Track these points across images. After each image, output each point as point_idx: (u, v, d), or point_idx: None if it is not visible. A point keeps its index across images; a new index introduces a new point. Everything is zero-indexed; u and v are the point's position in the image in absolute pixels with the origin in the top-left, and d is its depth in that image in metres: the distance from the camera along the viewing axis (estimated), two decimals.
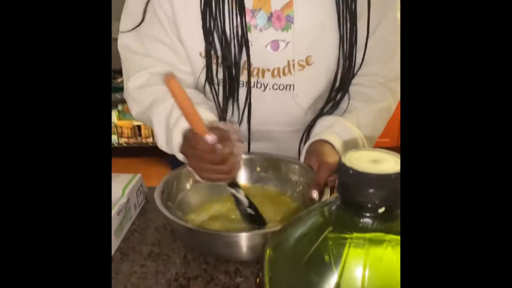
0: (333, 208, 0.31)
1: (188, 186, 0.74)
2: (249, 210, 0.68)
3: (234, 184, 0.69)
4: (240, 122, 0.75)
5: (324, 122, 0.76)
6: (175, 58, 0.73)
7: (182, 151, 0.65)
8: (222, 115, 0.74)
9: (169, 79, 0.54)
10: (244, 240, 0.57)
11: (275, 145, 0.82)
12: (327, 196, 0.64)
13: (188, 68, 0.74)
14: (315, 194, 0.64)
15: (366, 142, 0.76)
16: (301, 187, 0.74)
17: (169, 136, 0.68)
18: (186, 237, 0.64)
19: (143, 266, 0.64)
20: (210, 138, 0.59)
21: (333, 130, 0.73)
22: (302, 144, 0.80)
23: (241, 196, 0.68)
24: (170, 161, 0.95)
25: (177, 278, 0.61)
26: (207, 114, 0.66)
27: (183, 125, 0.65)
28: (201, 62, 0.71)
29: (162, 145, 0.72)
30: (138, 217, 0.76)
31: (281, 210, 0.71)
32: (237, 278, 0.61)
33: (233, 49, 0.67)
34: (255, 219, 0.68)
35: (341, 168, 0.29)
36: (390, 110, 0.81)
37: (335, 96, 0.77)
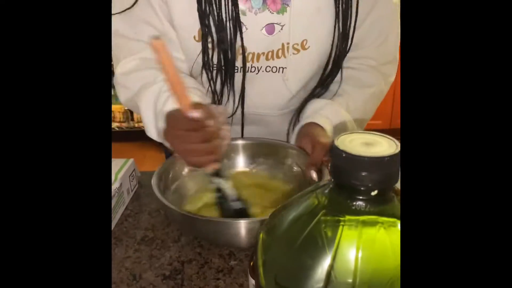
0: (326, 191, 0.31)
1: (184, 173, 0.74)
2: (235, 205, 0.65)
3: (218, 174, 0.64)
4: (236, 108, 0.74)
5: (315, 105, 0.76)
6: (167, 43, 0.71)
7: (164, 135, 0.60)
8: (218, 100, 0.73)
9: (157, 42, 0.50)
10: (241, 227, 0.57)
11: (267, 129, 0.81)
12: (328, 176, 0.64)
13: (181, 55, 0.73)
14: (314, 175, 0.64)
15: (356, 125, 0.76)
16: (294, 170, 0.74)
17: (157, 121, 0.65)
18: (183, 224, 0.64)
19: (137, 251, 0.64)
20: (195, 113, 0.55)
21: (323, 113, 0.73)
22: (291, 126, 0.80)
23: (227, 188, 0.64)
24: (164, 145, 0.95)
25: (171, 262, 0.62)
26: (196, 99, 0.66)
27: (170, 107, 0.62)
28: (195, 47, 0.70)
29: (151, 132, 0.68)
30: (131, 202, 0.76)
31: (273, 194, 0.71)
32: (231, 261, 0.61)
33: (228, 32, 0.67)
34: (240, 215, 0.65)
35: (334, 151, 0.29)
36: (381, 94, 0.81)
37: (326, 79, 0.77)
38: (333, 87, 0.79)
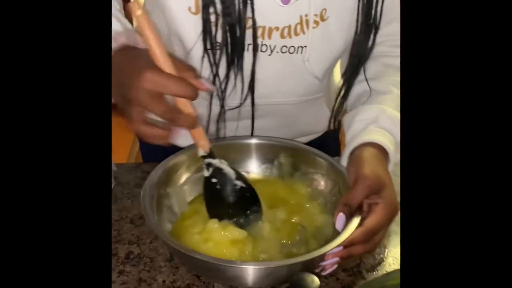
0: None
1: (183, 179, 0.62)
2: (239, 184, 0.57)
3: (212, 155, 0.55)
4: (246, 96, 0.61)
5: (366, 114, 0.61)
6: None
7: (131, 94, 0.44)
8: (221, 88, 0.60)
9: (133, 3, 0.43)
10: (256, 272, 0.47)
11: (281, 120, 0.69)
12: (354, 225, 0.49)
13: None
14: (340, 221, 0.50)
15: None
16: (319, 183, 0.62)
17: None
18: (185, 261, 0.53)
19: (122, 273, 0.53)
20: (206, 84, 0.46)
21: (380, 125, 0.58)
22: (332, 119, 0.67)
23: (225, 167, 0.56)
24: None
25: None
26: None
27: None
28: (191, 22, 0.57)
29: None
30: None
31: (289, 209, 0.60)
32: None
33: (237, 1, 0.53)
34: (247, 196, 0.57)
35: None
36: None
37: (357, 63, 0.63)
38: (373, 84, 0.64)
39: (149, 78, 0.43)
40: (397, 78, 0.64)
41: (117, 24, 0.54)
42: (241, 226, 0.56)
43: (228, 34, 0.55)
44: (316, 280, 0.37)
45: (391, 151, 0.56)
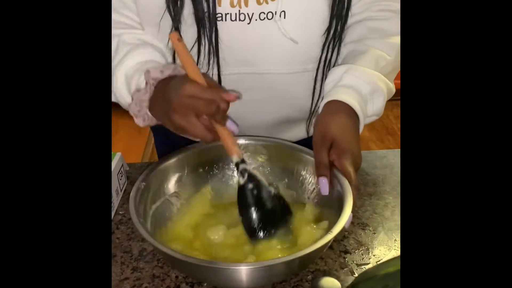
0: None
1: (171, 186, 0.61)
2: (272, 190, 0.57)
3: (244, 161, 0.56)
4: (211, 63, 0.62)
5: (332, 75, 0.62)
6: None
7: (173, 98, 0.52)
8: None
9: (173, 35, 0.54)
10: (249, 273, 0.47)
11: (269, 93, 0.67)
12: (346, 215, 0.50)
13: (129, 13, 0.63)
14: (323, 186, 0.54)
15: (389, 80, 0.63)
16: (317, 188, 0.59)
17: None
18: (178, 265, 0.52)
19: (136, 270, 0.54)
20: (233, 94, 0.51)
21: (343, 83, 0.60)
22: (316, 94, 0.67)
23: (257, 173, 0.56)
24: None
25: (178, 284, 0.52)
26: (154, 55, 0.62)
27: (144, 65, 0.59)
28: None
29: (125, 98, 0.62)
30: (121, 205, 0.65)
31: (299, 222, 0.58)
32: None
33: None
34: (281, 206, 0.57)
35: None
36: None
37: (336, 27, 0.63)
38: (352, 46, 0.65)
39: (189, 87, 0.51)
40: (378, 40, 0.64)
41: (162, 58, 0.63)
42: (279, 234, 0.55)
43: (192, 5, 0.57)
44: (337, 284, 0.37)
45: (354, 104, 0.58)
